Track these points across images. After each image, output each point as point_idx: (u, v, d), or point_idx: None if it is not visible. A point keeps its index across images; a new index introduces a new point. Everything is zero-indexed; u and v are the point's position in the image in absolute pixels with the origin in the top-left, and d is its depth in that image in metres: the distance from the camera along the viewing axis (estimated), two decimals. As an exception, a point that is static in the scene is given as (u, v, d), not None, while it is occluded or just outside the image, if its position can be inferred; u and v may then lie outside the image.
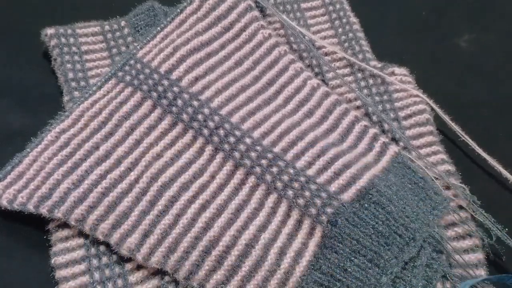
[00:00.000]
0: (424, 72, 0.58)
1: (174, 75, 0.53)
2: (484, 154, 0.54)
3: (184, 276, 0.45)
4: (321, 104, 0.54)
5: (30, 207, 0.48)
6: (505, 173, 0.53)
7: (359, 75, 0.58)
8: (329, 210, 0.45)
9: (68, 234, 0.48)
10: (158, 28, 0.56)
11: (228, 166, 0.49)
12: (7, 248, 0.49)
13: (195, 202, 0.47)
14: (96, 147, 0.50)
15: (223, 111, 0.51)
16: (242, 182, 0.49)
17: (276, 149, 0.49)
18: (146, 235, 0.46)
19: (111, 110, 0.52)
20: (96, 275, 0.46)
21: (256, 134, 0.50)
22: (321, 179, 0.48)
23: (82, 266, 0.47)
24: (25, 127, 0.55)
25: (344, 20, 0.61)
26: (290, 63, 0.56)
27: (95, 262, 0.47)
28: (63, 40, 0.57)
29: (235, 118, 0.51)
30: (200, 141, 0.50)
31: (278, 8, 0.62)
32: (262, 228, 0.46)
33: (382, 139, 0.52)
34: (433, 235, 0.47)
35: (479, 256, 0.48)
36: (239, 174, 0.49)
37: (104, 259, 0.47)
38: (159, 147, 0.50)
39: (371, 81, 0.57)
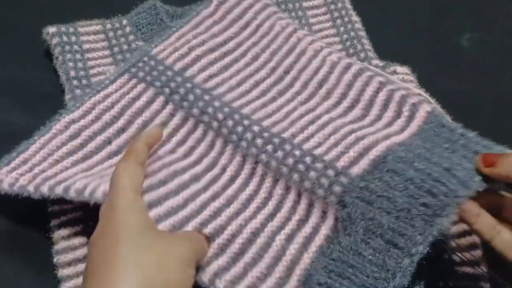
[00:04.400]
0: (426, 71, 0.58)
1: (188, 73, 0.53)
2: (483, 154, 0.54)
3: None
4: (341, 81, 0.52)
5: (31, 188, 0.46)
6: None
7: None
8: (337, 188, 0.42)
9: (71, 233, 0.48)
10: (174, 28, 0.56)
11: (238, 158, 0.48)
12: (9, 246, 0.49)
13: (205, 192, 0.47)
14: (109, 142, 0.50)
15: (235, 105, 0.51)
16: (252, 172, 0.48)
17: (285, 135, 0.48)
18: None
19: (123, 105, 0.52)
20: (99, 274, 0.46)
21: (266, 123, 0.49)
22: (330, 156, 0.45)
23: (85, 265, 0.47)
24: (26, 125, 0.55)
25: (346, 19, 0.61)
26: (308, 44, 0.55)
27: (97, 260, 0.47)
28: (64, 38, 0.57)
29: (245, 110, 0.50)
30: (210, 134, 0.50)
31: (280, 7, 0.62)
32: (271, 217, 0.45)
33: (411, 100, 0.48)
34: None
35: (479, 253, 0.48)
36: (249, 164, 0.48)
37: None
38: (171, 144, 0.50)
39: (373, 80, 0.57)
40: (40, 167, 0.48)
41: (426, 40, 0.63)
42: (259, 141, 0.47)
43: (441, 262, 0.47)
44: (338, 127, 0.48)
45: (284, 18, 0.57)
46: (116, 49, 0.58)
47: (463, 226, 0.50)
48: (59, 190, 0.45)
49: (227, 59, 0.55)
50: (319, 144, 0.46)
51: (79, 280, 0.46)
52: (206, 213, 0.45)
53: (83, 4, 0.64)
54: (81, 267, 0.47)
